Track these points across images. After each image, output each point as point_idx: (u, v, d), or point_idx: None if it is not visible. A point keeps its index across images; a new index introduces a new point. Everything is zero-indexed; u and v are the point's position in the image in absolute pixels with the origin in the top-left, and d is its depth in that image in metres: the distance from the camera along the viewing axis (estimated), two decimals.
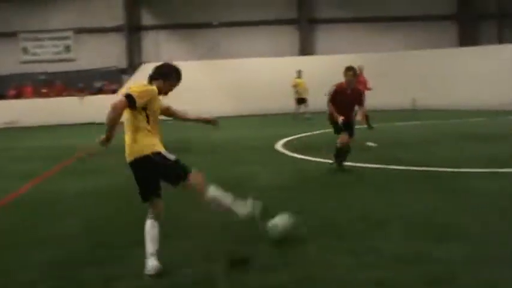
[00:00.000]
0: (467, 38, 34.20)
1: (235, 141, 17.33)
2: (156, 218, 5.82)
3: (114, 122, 5.55)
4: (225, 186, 9.86)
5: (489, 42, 33.24)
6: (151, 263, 5.54)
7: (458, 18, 35.11)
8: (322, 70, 28.69)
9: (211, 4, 33.80)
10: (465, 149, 13.80)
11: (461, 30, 34.96)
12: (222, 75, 29.70)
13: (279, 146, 15.31)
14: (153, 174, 5.78)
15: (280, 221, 6.30)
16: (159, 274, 5.46)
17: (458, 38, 34.96)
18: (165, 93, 6.08)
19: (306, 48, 33.49)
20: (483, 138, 15.72)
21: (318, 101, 26.88)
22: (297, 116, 25.79)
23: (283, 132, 18.45)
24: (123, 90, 5.85)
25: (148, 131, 5.75)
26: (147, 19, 35.24)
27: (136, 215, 7.68)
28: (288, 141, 16.41)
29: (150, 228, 5.75)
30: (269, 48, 32.85)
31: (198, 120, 6.65)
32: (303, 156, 13.15)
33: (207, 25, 33.71)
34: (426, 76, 27.76)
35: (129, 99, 5.56)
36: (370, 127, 18.91)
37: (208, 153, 14.89)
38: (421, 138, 16.23)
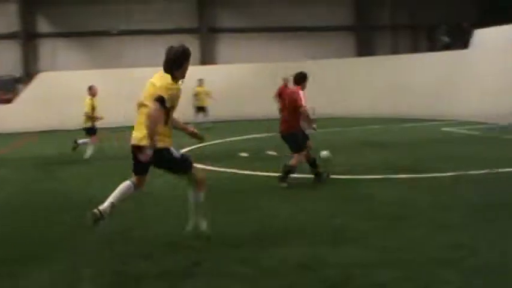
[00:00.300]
0: (364, 48, 35.27)
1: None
2: (135, 188, 6.39)
3: (155, 130, 5.91)
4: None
5: (384, 52, 34.40)
6: (107, 206, 6.04)
7: (355, 29, 36.13)
8: (222, 79, 28.81)
9: (111, 12, 33.25)
10: (363, 156, 14.19)
11: (359, 40, 36.01)
12: (123, 85, 29.17)
13: None
14: (153, 163, 6.24)
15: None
16: (98, 218, 5.85)
17: (356, 49, 35.97)
18: (183, 77, 6.36)
19: (206, 58, 33.54)
20: (380, 145, 16.21)
21: (219, 110, 26.98)
22: (197, 125, 25.68)
23: (183, 142, 18.32)
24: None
25: (164, 128, 6.15)
26: (43, 26, 34.25)
27: (35, 229, 7.47)
28: (188, 151, 16.31)
29: (127, 187, 6.30)
30: None
31: (185, 131, 6.87)
32: (203, 166, 13.10)
33: (107, 33, 33.15)
34: (325, 85, 28.32)
35: (161, 103, 5.95)
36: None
37: (104, 163, 14.60)
38: (321, 146, 16.51)
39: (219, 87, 27.83)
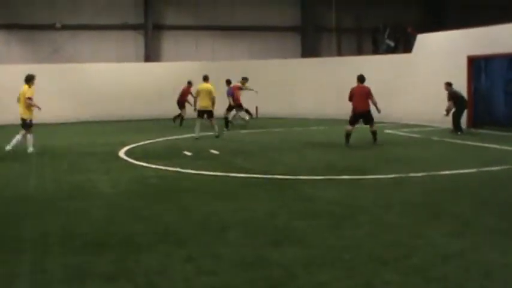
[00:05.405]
0: (309, 49, 35.48)
1: (78, 147, 16.73)
2: None
3: None
4: (66, 193, 9.61)
5: (329, 54, 34.67)
6: None
7: (300, 30, 36.33)
8: (167, 77, 28.54)
9: (54, 5, 32.47)
10: (306, 156, 14.25)
11: (304, 41, 36.21)
12: (65, 80, 28.56)
13: (121, 153, 14.98)
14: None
15: None
16: None
17: (301, 49, 36.15)
18: None
19: (151, 55, 33.17)
20: (323, 146, 16.31)
21: (163, 107, 26.70)
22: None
23: (126, 139, 18.11)
24: None
25: None
26: None
27: None
28: (131, 148, 16.12)
29: None
30: (114, 54, 32.17)
31: None
32: (145, 164, 12.96)
33: (50, 27, 32.35)
34: (270, 85, 28.40)
35: None
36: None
37: (49, 160, 14.29)
38: (264, 146, 16.54)
39: (163, 84, 27.69)
